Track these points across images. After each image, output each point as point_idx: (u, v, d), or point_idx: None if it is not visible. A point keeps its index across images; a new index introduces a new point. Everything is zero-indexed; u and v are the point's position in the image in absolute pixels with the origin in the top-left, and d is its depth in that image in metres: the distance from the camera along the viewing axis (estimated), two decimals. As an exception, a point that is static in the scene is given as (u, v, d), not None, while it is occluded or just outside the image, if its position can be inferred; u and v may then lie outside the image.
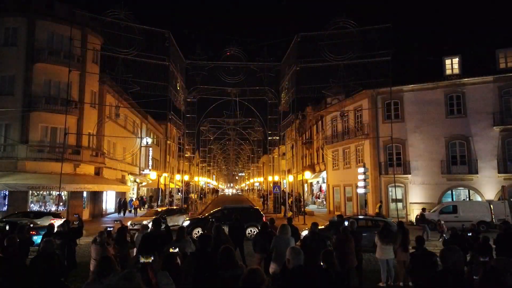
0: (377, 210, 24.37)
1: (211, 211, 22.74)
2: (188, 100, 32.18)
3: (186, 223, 18.48)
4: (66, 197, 25.94)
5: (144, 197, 40.29)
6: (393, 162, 27.10)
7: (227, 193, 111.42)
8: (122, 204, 31.09)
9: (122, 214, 30.22)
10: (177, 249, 6.39)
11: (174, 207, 27.14)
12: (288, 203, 30.73)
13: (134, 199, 34.89)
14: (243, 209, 20.81)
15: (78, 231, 10.88)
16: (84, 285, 4.28)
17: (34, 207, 25.19)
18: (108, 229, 9.58)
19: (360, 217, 19.79)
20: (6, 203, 24.45)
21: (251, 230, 17.90)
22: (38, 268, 5.81)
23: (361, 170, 24.69)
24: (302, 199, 31.71)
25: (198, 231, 17.60)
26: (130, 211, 32.35)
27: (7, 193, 24.16)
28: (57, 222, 17.17)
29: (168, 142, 49.41)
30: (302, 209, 29.06)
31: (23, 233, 9.39)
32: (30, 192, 24.61)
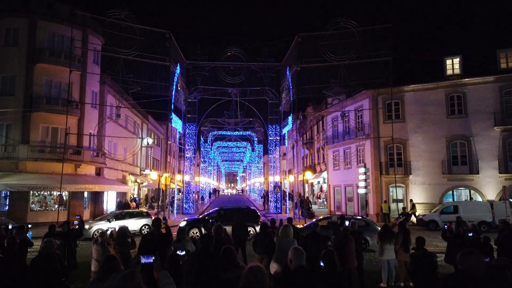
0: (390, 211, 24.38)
1: (207, 212, 22.63)
2: (189, 100, 32.21)
3: (183, 223, 18.41)
4: (67, 197, 25.96)
5: (137, 198, 37.18)
6: (394, 162, 27.09)
7: (227, 194, 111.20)
8: (124, 206, 30.69)
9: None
10: (183, 252, 6.40)
11: (133, 210, 25.47)
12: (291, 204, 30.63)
13: (130, 201, 33.68)
14: (239, 209, 20.66)
15: (79, 231, 10.90)
16: (89, 284, 4.30)
17: (35, 208, 25.24)
18: (110, 229, 9.60)
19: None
20: (7, 203, 24.50)
21: (248, 230, 17.95)
22: (39, 268, 5.82)
23: (362, 170, 24.68)
24: (309, 201, 31.64)
25: (195, 232, 17.62)
26: None
27: (8, 193, 24.19)
28: None
29: (169, 142, 49.46)
30: (311, 210, 29.01)
31: (21, 234, 9.40)
32: (31, 192, 24.63)
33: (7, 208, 24.27)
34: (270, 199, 34.50)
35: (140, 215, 21.31)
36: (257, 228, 17.63)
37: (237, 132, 42.06)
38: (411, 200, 25.97)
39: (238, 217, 12.52)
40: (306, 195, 39.67)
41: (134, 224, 19.68)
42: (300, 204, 30.17)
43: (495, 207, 22.03)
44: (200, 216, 22.05)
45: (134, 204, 31.93)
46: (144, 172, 41.61)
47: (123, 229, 9.01)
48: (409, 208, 24.97)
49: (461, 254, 3.63)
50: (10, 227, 12.54)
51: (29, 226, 13.19)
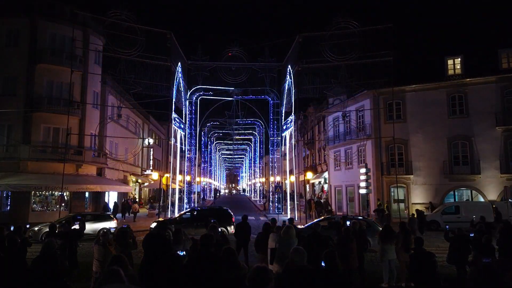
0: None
1: (181, 213, 21.82)
2: (190, 100, 32.21)
3: (153, 224, 17.86)
4: (68, 197, 25.99)
5: (129, 199, 33.40)
6: (395, 162, 27.02)
7: (227, 194, 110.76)
8: (124, 207, 30.06)
9: (122, 216, 29.71)
10: (184, 252, 6.41)
11: (95, 213, 23.77)
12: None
13: (131, 202, 32.22)
14: (214, 210, 20.36)
15: (79, 232, 10.90)
16: (97, 284, 4.34)
17: (37, 208, 25.27)
18: (111, 229, 9.61)
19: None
20: (9, 203, 24.53)
21: (221, 230, 17.50)
22: (40, 268, 5.82)
23: (363, 170, 24.62)
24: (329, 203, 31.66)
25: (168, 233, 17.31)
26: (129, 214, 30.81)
27: (9, 193, 24.23)
28: None
29: (170, 142, 49.49)
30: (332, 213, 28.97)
31: (20, 234, 9.39)
32: (33, 192, 24.66)
33: (8, 208, 24.31)
34: (271, 199, 34.51)
35: (102, 218, 19.83)
36: (229, 229, 16.83)
37: (238, 132, 42.09)
38: (378, 202, 25.99)
39: (243, 216, 12.57)
40: (323, 196, 39.46)
41: (93, 228, 17.43)
42: (316, 206, 29.54)
43: (497, 208, 21.94)
44: (173, 217, 21.14)
45: (136, 206, 30.29)
46: (145, 172, 41.62)
47: (124, 229, 9.00)
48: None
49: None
50: (11, 228, 12.51)
51: (27, 226, 13.13)
